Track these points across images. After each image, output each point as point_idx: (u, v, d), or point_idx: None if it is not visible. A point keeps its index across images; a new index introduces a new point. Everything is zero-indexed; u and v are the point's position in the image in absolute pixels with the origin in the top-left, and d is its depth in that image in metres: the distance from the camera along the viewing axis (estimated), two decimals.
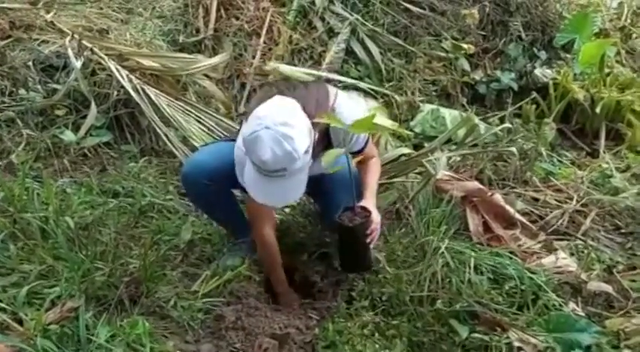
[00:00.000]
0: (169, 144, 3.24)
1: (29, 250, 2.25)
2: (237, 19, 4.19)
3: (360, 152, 2.32)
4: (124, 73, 3.41)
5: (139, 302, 2.14)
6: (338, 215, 2.21)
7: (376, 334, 2.13)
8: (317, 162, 2.24)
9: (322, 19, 4.33)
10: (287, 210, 2.85)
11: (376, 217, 2.23)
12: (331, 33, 4.29)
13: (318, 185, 2.36)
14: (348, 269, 2.37)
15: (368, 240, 2.21)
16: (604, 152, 3.91)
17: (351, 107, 2.23)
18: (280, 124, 1.90)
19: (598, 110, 4.15)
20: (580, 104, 4.23)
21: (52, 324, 1.87)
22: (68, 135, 3.24)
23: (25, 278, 2.10)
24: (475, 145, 3.13)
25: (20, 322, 1.90)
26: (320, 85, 2.29)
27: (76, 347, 1.84)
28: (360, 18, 4.31)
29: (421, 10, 4.49)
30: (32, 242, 2.27)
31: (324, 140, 2.21)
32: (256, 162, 1.96)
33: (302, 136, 1.94)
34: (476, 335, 2.04)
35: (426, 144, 3.74)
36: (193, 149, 3.20)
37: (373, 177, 2.39)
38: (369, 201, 2.28)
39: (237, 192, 2.52)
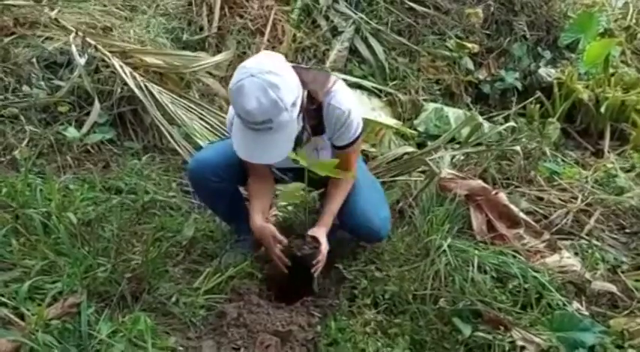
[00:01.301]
0: (172, 141, 3.24)
1: (31, 245, 2.25)
2: (241, 17, 4.19)
3: (344, 148, 2.26)
4: (128, 70, 3.41)
5: (140, 299, 2.13)
6: (288, 240, 2.23)
7: (378, 332, 2.12)
8: (312, 146, 2.26)
9: (326, 18, 4.33)
10: (290, 208, 2.85)
11: (324, 249, 2.23)
12: (335, 31, 4.30)
13: (325, 184, 2.37)
14: (289, 295, 2.34)
15: (312, 270, 2.23)
16: (609, 152, 3.89)
17: (347, 94, 2.21)
18: (266, 72, 1.86)
19: (603, 110, 4.14)
20: (584, 104, 4.22)
21: (54, 320, 1.85)
22: (71, 132, 3.24)
23: (27, 274, 2.09)
24: (479, 144, 3.12)
25: (22, 317, 1.89)
26: (323, 70, 2.28)
27: (78, 343, 1.83)
28: (364, 17, 4.31)
29: (425, 9, 4.50)
30: (34, 237, 2.27)
31: (317, 119, 2.17)
32: (241, 114, 1.92)
33: (289, 86, 1.90)
34: (479, 334, 2.02)
35: (429, 143, 3.74)
36: (196, 146, 3.20)
37: (337, 201, 2.33)
38: (322, 230, 2.27)
39: (242, 190, 2.52)
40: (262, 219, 2.30)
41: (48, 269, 2.14)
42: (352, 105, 2.17)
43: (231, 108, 2.18)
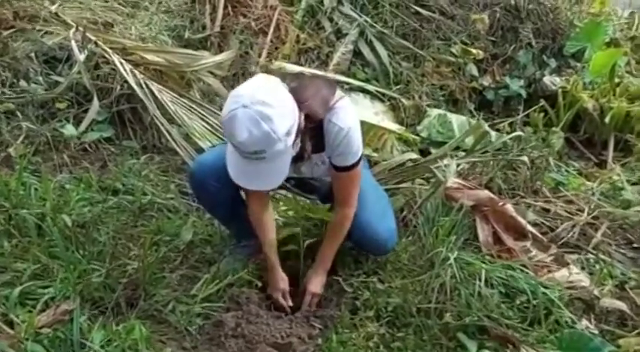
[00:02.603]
0: (172, 141, 3.18)
1: (24, 248, 2.18)
2: (245, 16, 4.13)
3: (342, 171, 2.19)
4: (128, 67, 3.35)
5: (136, 306, 2.07)
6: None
7: (381, 346, 2.06)
8: (313, 162, 2.20)
9: (330, 20, 4.27)
10: (290, 213, 2.78)
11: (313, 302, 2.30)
12: (339, 34, 4.24)
13: (330, 191, 2.31)
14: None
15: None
16: (613, 163, 3.85)
17: (350, 112, 2.13)
18: (258, 103, 1.80)
19: (607, 120, 4.09)
20: (589, 114, 4.18)
21: (45, 327, 1.79)
22: (69, 130, 3.18)
23: (19, 278, 2.02)
24: (485, 153, 3.06)
25: (11, 324, 1.82)
26: (330, 82, 2.21)
27: None
28: (368, 19, 4.25)
29: (431, 14, 4.44)
30: (27, 239, 2.20)
31: (318, 136, 2.10)
32: (234, 143, 1.87)
33: (282, 116, 1.84)
34: (485, 351, 1.97)
35: (432, 149, 3.69)
36: (196, 147, 3.15)
37: (334, 245, 2.31)
38: (318, 280, 2.31)
39: (243, 194, 2.45)
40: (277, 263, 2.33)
41: (40, 273, 2.07)
42: (353, 124, 2.09)
43: None
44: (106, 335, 1.86)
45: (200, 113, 3.34)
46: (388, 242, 2.33)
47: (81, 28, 3.49)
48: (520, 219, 2.57)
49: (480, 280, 2.15)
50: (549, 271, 2.37)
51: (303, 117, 1.98)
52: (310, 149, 2.12)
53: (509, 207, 2.60)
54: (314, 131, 2.08)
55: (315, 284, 2.30)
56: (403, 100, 4.04)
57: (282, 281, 2.32)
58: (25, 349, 1.68)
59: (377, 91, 4.02)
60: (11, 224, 2.25)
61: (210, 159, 2.32)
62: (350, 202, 2.24)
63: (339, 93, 2.15)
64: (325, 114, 2.06)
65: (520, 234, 2.53)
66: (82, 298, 1.97)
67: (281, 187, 2.45)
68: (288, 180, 2.37)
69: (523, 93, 4.42)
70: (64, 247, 2.15)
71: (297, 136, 1.96)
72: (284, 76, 2.07)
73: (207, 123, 3.31)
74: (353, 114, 2.14)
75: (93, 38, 3.46)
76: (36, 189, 2.49)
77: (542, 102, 4.24)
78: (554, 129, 3.99)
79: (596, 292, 2.28)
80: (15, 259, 2.12)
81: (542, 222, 2.77)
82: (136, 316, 2.02)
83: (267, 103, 1.81)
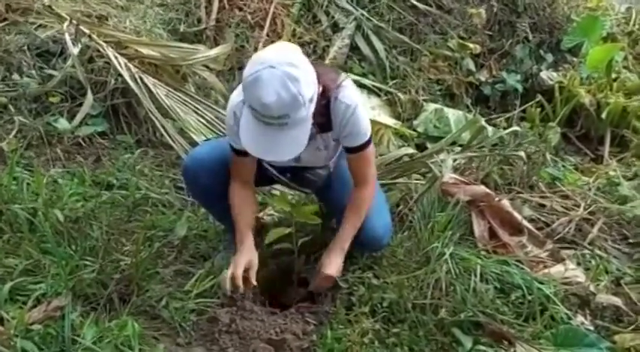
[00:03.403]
0: (166, 135, 3.15)
1: (15, 243, 2.16)
2: (240, 10, 4.10)
3: (355, 151, 2.16)
4: (123, 61, 3.32)
5: (129, 302, 2.05)
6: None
7: (376, 342, 2.04)
8: (316, 145, 2.17)
9: (327, 14, 4.25)
10: (287, 208, 2.76)
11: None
12: (336, 28, 4.21)
13: (326, 185, 2.30)
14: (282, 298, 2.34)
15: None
16: (610, 158, 3.84)
17: (356, 91, 2.13)
18: (286, 64, 1.75)
19: (604, 115, 4.08)
20: (585, 109, 4.16)
21: (36, 324, 1.77)
22: (62, 124, 3.15)
23: (10, 273, 2.00)
24: (481, 148, 3.04)
25: (1, 321, 1.80)
26: (331, 67, 2.19)
27: (60, 349, 1.75)
28: (365, 13, 4.23)
29: (428, 8, 4.42)
30: (19, 235, 2.18)
31: (325, 116, 2.06)
32: (257, 107, 1.80)
33: (307, 81, 1.80)
34: (480, 347, 1.96)
35: (428, 144, 3.68)
36: (191, 141, 3.12)
37: (354, 224, 2.22)
38: (334, 264, 2.21)
39: None
40: (250, 239, 2.20)
41: (32, 269, 2.05)
42: (359, 101, 2.08)
43: (232, 101, 2.08)
44: (98, 331, 1.84)
45: (195, 107, 3.31)
46: (384, 238, 2.31)
47: (75, 21, 3.45)
48: (516, 214, 2.55)
49: (475, 275, 2.14)
50: (545, 267, 2.36)
51: (320, 89, 1.94)
52: (317, 127, 2.08)
53: (506, 203, 2.58)
54: (322, 109, 2.02)
55: (331, 266, 2.20)
56: (400, 95, 4.02)
57: (254, 257, 2.17)
58: (16, 346, 1.65)
59: (373, 86, 4.01)
60: (3, 219, 2.23)
61: (203, 153, 2.30)
62: (368, 180, 2.20)
63: (342, 73, 2.14)
64: (333, 92, 2.02)
65: (516, 229, 2.52)
66: (74, 294, 1.95)
67: (276, 181, 2.44)
68: (284, 172, 2.36)
69: (520, 88, 4.42)
70: (56, 242, 2.13)
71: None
72: None
73: (203, 117, 3.28)
74: (356, 92, 2.13)
75: (87, 31, 3.42)
76: (28, 184, 2.46)
77: (539, 97, 4.22)
78: (550, 124, 3.98)
79: (591, 288, 2.27)
80: (7, 254, 2.10)
81: (538, 218, 2.76)
82: (128, 312, 2.01)
83: (294, 65, 1.76)
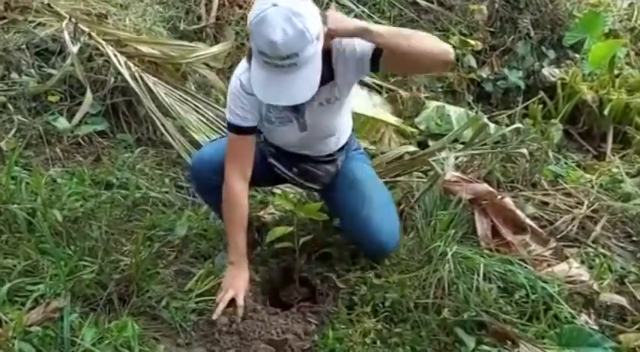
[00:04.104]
0: (167, 134, 3.14)
1: (14, 244, 2.14)
2: (241, 7, 4.08)
3: (379, 55, 1.96)
4: (122, 59, 3.30)
5: (128, 302, 2.03)
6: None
7: (378, 342, 2.03)
8: (319, 101, 2.10)
9: None
10: (287, 207, 2.74)
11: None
12: None
13: (331, 185, 2.29)
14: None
15: None
16: (612, 155, 3.81)
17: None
18: (289, 0, 1.74)
19: (606, 112, 4.06)
20: (588, 105, 4.14)
21: (34, 325, 1.75)
22: (62, 123, 3.13)
23: (8, 274, 1.98)
24: (484, 145, 3.02)
25: None
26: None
27: (59, 351, 1.73)
28: (366, 10, 4.21)
29: (429, 4, 4.40)
30: (17, 235, 2.16)
31: (325, 63, 1.96)
32: (265, 49, 1.78)
33: (312, 16, 1.78)
34: (484, 347, 1.94)
35: (430, 142, 3.65)
36: (191, 140, 3.11)
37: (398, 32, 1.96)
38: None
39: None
40: (244, 257, 2.17)
41: (31, 269, 2.03)
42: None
43: (237, 70, 2.08)
44: (97, 332, 1.83)
45: (195, 106, 3.30)
46: (389, 244, 2.28)
47: (74, 20, 3.43)
48: (519, 212, 2.53)
49: (478, 275, 2.12)
50: (548, 265, 2.34)
51: (325, 29, 1.89)
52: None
53: (508, 200, 2.56)
54: (323, 56, 1.95)
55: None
56: (401, 92, 3.99)
57: (243, 279, 2.15)
58: (14, 348, 1.64)
59: (374, 83, 3.98)
60: (1, 219, 2.21)
61: (209, 152, 2.30)
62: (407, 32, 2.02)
63: None
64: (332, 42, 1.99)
65: (519, 227, 2.49)
66: (73, 295, 1.93)
67: (283, 178, 2.41)
68: (291, 168, 2.33)
69: (522, 84, 4.39)
70: (55, 243, 2.11)
71: None
72: None
73: (203, 115, 3.27)
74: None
75: (86, 30, 3.40)
76: (27, 184, 2.44)
77: (541, 93, 4.20)
78: (552, 121, 3.95)
79: (595, 286, 2.25)
80: (4, 255, 2.09)
81: (541, 216, 2.74)
82: (128, 313, 1.99)
83: (296, 1, 1.75)
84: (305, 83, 1.85)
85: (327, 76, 2.01)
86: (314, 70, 1.85)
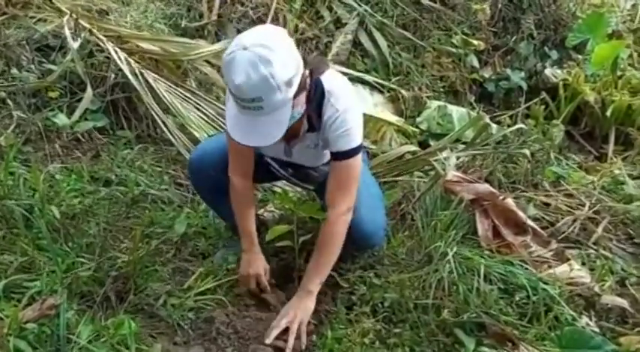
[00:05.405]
0: (167, 131, 3.14)
1: (10, 240, 2.12)
2: (242, 4, 4.07)
3: (341, 157, 2.04)
4: (123, 55, 3.29)
5: (126, 300, 2.01)
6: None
7: (377, 342, 2.01)
8: (306, 143, 2.13)
9: (329, 9, 4.23)
10: (287, 205, 2.73)
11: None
12: (338, 23, 4.19)
13: (324, 182, 2.24)
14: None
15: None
16: (614, 156, 3.80)
17: (349, 94, 2.04)
18: (259, 46, 1.71)
19: (608, 113, 4.05)
20: (590, 106, 4.14)
21: (30, 323, 1.73)
22: (61, 119, 3.11)
23: (4, 271, 1.96)
24: (485, 145, 3.00)
25: None
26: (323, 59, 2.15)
27: (55, 349, 1.71)
28: (368, 9, 4.21)
29: (432, 4, 4.41)
30: (15, 231, 2.14)
31: (316, 112, 2.00)
32: (231, 89, 1.78)
33: (284, 64, 1.73)
34: (483, 348, 1.92)
35: (431, 142, 3.64)
36: (191, 137, 3.10)
37: (323, 259, 2.09)
38: (300, 310, 2.03)
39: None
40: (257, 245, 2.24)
41: (27, 266, 2.01)
42: (351, 106, 2.01)
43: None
44: (93, 330, 1.80)
45: (196, 103, 3.29)
46: (373, 236, 2.26)
47: (75, 16, 3.42)
48: (520, 213, 2.51)
49: (478, 275, 2.10)
50: (549, 267, 2.32)
51: (307, 73, 1.89)
52: (306, 128, 2.06)
53: (510, 201, 2.53)
54: (314, 104, 1.98)
55: (295, 314, 2.02)
56: (403, 92, 4.00)
57: (260, 260, 2.23)
58: (9, 345, 1.62)
59: (376, 82, 3.99)
60: None
61: (208, 148, 2.31)
62: (345, 199, 2.06)
63: (333, 69, 2.10)
64: (326, 95, 1.98)
65: (520, 228, 2.47)
66: (70, 292, 1.91)
67: (278, 177, 2.41)
68: (285, 168, 2.32)
69: (524, 85, 4.40)
70: (52, 239, 2.09)
71: (300, 92, 1.85)
72: None
73: (204, 113, 3.26)
74: (352, 96, 2.06)
75: (87, 26, 3.40)
76: (25, 180, 2.43)
77: (544, 94, 4.20)
78: (554, 121, 3.95)
79: (596, 288, 2.23)
80: (1, 251, 2.07)
81: (543, 217, 2.72)
82: (125, 310, 1.98)
83: (267, 47, 1.71)
84: (272, 127, 1.83)
85: (317, 125, 2.03)
86: (282, 116, 1.82)
